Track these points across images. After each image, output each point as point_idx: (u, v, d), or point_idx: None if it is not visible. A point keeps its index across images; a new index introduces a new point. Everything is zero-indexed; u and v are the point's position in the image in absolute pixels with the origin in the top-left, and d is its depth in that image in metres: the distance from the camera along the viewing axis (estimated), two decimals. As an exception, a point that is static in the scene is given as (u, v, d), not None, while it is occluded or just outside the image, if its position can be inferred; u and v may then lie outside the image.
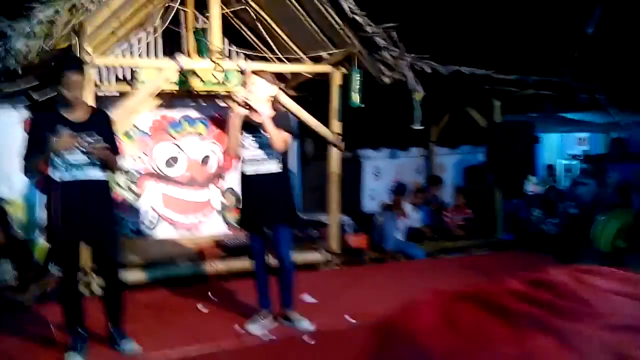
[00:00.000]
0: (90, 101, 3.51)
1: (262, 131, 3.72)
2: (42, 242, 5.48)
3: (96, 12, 4.28)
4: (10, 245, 4.90)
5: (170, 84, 5.21)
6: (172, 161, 6.36)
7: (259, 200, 3.79)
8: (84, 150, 3.16)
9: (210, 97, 5.94)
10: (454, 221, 7.27)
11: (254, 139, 3.80)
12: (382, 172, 7.84)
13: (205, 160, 6.51)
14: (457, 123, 7.50)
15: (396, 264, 6.34)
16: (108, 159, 3.30)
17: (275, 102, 3.88)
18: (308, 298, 4.52)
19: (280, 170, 3.83)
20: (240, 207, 4.07)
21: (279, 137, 3.69)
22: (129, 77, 5.73)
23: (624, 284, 1.47)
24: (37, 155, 3.18)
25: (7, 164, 5.49)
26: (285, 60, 5.87)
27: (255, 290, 3.98)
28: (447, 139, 7.97)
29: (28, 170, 3.36)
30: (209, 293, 4.69)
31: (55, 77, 3.21)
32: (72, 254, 3.33)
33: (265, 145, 3.76)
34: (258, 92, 3.72)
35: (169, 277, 5.12)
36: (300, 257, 5.10)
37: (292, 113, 5.25)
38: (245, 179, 3.86)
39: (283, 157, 3.86)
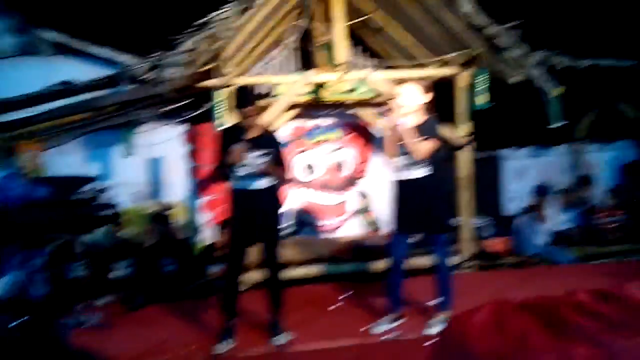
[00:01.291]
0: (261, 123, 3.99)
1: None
2: (199, 241, 6.29)
3: (233, 37, 4.82)
4: (171, 243, 5.67)
5: (303, 96, 5.63)
6: (309, 168, 6.79)
7: (411, 205, 3.87)
8: (253, 164, 3.68)
9: (342, 105, 6.23)
10: (606, 224, 6.67)
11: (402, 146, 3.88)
12: (524, 173, 7.46)
13: (339, 165, 6.84)
14: (608, 117, 6.87)
15: (537, 269, 5.99)
16: (275, 173, 3.77)
17: (424, 110, 3.90)
18: (433, 301, 4.55)
19: (431, 175, 3.85)
20: (392, 210, 4.07)
21: (419, 148, 3.74)
22: (265, 91, 6.27)
23: None
24: (222, 165, 3.75)
25: (170, 172, 6.43)
26: (409, 66, 5.94)
27: (386, 292, 4.10)
28: (598, 135, 7.31)
29: (221, 177, 3.89)
30: (345, 293, 4.90)
31: (238, 107, 3.77)
32: (241, 254, 3.80)
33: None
34: (407, 101, 3.82)
35: (310, 275, 5.48)
36: (429, 260, 5.13)
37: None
38: (397, 184, 3.96)
39: (435, 162, 3.85)
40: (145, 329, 4.23)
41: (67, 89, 4.76)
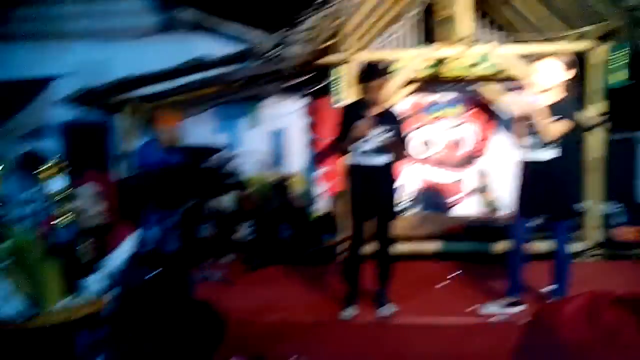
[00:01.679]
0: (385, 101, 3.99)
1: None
2: (315, 209, 6.58)
3: (353, 14, 4.89)
4: (289, 210, 6.00)
5: (423, 71, 5.58)
6: (427, 144, 6.73)
7: (536, 188, 3.74)
8: (375, 140, 3.76)
9: (463, 81, 6.07)
10: None
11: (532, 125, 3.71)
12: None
13: (458, 142, 6.71)
14: None
15: (673, 263, 5.48)
16: (395, 150, 3.83)
17: (563, 88, 3.67)
18: (547, 288, 4.39)
19: (560, 157, 3.68)
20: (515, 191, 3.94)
21: (550, 129, 3.56)
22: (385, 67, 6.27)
23: None
24: (343, 140, 3.84)
25: (290, 143, 6.76)
26: (538, 40, 5.60)
27: (506, 274, 3.97)
28: None
29: (339, 151, 4.02)
30: (456, 272, 4.90)
31: (360, 83, 3.82)
32: (360, 227, 3.92)
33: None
34: (545, 78, 3.63)
35: (422, 252, 5.50)
36: (548, 245, 4.92)
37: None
38: (522, 165, 3.84)
39: (565, 144, 3.66)
40: (263, 288, 4.58)
41: (200, 64, 5.16)
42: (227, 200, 5.87)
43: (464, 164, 6.73)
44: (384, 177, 3.85)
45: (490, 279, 4.50)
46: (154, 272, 2.30)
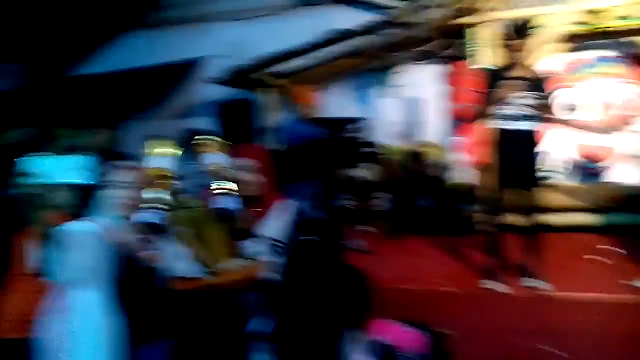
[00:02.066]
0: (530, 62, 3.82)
1: None
2: (453, 179, 6.43)
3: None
4: (426, 180, 5.96)
5: (573, 27, 5.15)
6: (574, 106, 6.22)
7: None
8: (519, 104, 3.62)
9: (615, 34, 5.48)
10: None
11: None
12: None
13: (611, 104, 6.11)
14: None
15: None
16: (541, 114, 3.68)
17: None
18: None
19: None
20: None
21: None
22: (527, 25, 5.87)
23: None
24: (484, 105, 3.75)
25: (425, 111, 6.65)
26: None
27: None
28: None
29: (481, 117, 3.88)
30: (609, 245, 4.53)
31: (502, 44, 3.68)
32: (503, 196, 3.80)
33: None
34: None
35: (572, 224, 5.17)
36: None
37: None
38: None
39: None
40: (403, 258, 4.64)
41: (338, 36, 5.25)
42: (365, 171, 5.97)
43: (618, 127, 6.13)
44: (528, 144, 3.68)
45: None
46: (306, 239, 2.45)
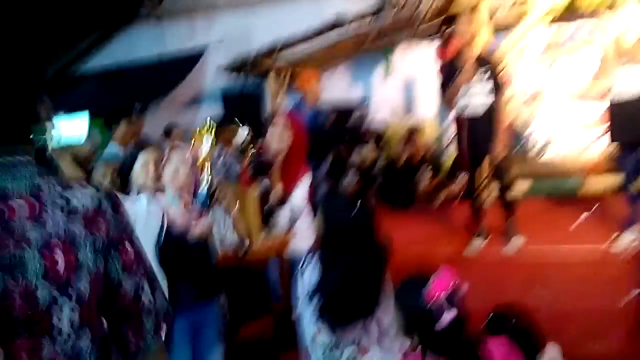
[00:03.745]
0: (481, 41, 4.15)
1: None
2: (446, 154, 6.74)
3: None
4: (421, 157, 6.27)
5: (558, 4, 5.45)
6: (566, 76, 6.52)
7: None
8: (477, 86, 3.93)
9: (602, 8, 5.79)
10: None
11: None
12: None
13: (593, 75, 6.42)
14: None
15: None
16: (495, 96, 3.99)
17: None
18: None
19: None
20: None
21: None
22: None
23: None
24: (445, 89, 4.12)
25: (423, 91, 6.93)
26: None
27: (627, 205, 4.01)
28: None
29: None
30: (586, 208, 4.84)
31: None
32: (475, 167, 4.19)
33: None
34: (623, 25, 3.71)
35: (553, 190, 5.57)
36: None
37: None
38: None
39: None
40: (406, 226, 4.96)
41: (338, 22, 5.50)
42: (366, 150, 6.26)
43: (603, 95, 6.44)
44: (488, 120, 3.96)
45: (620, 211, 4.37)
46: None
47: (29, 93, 1.12)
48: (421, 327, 1.71)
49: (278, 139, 3.32)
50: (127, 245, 1.17)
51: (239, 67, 6.34)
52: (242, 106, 6.71)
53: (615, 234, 3.98)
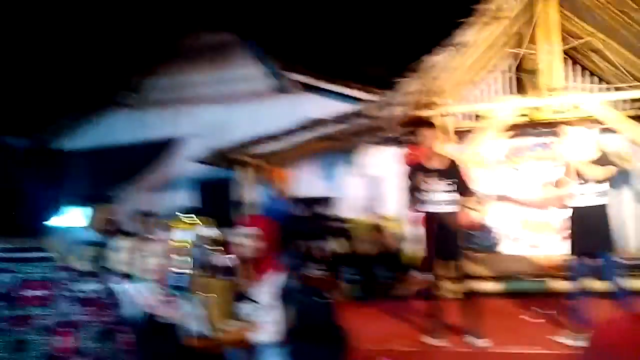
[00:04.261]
0: (445, 151, 4.49)
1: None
2: (408, 251, 6.97)
3: (451, 74, 5.45)
4: (384, 253, 6.49)
5: (518, 118, 5.99)
6: (521, 185, 7.00)
7: (589, 229, 4.13)
8: (438, 191, 4.22)
9: (556, 125, 6.35)
10: None
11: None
12: None
13: (550, 183, 6.91)
14: None
15: None
16: (461, 199, 4.27)
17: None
18: None
19: (604, 203, 4.12)
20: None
21: (595, 175, 4.05)
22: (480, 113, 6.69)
23: None
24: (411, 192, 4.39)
25: (386, 189, 7.28)
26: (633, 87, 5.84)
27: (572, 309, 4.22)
28: None
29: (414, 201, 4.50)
30: (540, 307, 5.09)
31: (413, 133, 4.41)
32: (437, 267, 4.36)
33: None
34: (574, 148, 4.17)
35: (513, 289, 5.79)
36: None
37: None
38: (575, 210, 4.24)
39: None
40: (368, 321, 5.05)
41: (314, 123, 5.88)
42: (333, 243, 6.44)
43: (553, 204, 6.90)
44: (450, 223, 4.22)
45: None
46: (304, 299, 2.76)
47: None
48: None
49: (247, 237, 3.46)
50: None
51: (214, 158, 6.59)
52: (214, 196, 6.90)
53: (551, 337, 4.15)
